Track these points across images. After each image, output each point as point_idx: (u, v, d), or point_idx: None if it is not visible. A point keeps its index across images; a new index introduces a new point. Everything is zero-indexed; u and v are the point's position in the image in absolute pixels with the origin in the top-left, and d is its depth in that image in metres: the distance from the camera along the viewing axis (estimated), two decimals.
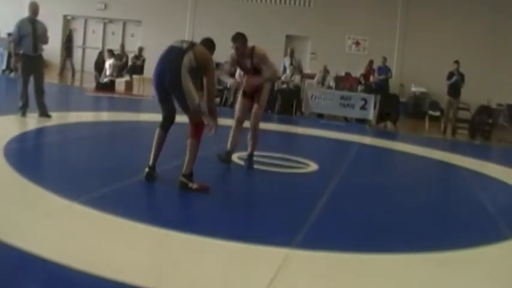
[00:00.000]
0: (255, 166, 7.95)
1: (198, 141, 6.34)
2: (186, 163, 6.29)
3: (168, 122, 6.55)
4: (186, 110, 6.25)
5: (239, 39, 7.53)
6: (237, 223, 5.55)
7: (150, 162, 6.50)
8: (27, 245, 4.11)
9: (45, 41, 10.66)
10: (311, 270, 4.40)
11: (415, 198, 7.63)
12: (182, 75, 6.08)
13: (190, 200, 6.19)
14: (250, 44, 7.58)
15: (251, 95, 7.91)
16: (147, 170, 6.47)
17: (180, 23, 23.75)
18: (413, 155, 11.56)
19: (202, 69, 6.30)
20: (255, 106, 7.91)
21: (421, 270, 4.70)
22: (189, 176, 6.31)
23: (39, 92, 10.54)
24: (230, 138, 8.00)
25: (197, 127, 6.32)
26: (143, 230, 4.88)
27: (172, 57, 6.19)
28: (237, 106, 8.15)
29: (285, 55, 18.83)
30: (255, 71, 7.75)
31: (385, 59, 19.16)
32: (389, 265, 4.72)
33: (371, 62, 19.77)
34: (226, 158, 7.96)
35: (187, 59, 6.13)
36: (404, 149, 12.37)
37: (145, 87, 18.40)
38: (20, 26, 10.43)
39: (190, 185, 6.26)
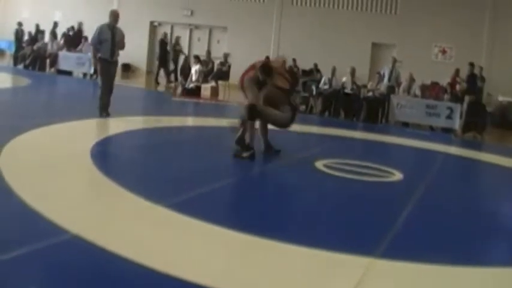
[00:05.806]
0: (339, 174, 7.98)
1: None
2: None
3: None
4: None
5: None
6: (320, 231, 5.55)
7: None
8: (110, 245, 4.28)
9: (122, 46, 11.31)
10: (394, 281, 4.40)
11: (503, 212, 7.42)
12: None
13: (273, 206, 6.33)
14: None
15: None
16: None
17: (266, 30, 23.94)
18: (500, 166, 11.26)
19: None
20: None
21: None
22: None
23: (109, 91, 11.24)
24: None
25: None
26: (225, 234, 4.99)
27: None
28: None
29: (371, 63, 18.70)
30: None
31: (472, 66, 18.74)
32: (476, 279, 4.65)
33: (457, 71, 19.40)
34: None
35: None
36: (491, 160, 12.08)
37: (231, 92, 18.64)
38: (100, 31, 11.10)
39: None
